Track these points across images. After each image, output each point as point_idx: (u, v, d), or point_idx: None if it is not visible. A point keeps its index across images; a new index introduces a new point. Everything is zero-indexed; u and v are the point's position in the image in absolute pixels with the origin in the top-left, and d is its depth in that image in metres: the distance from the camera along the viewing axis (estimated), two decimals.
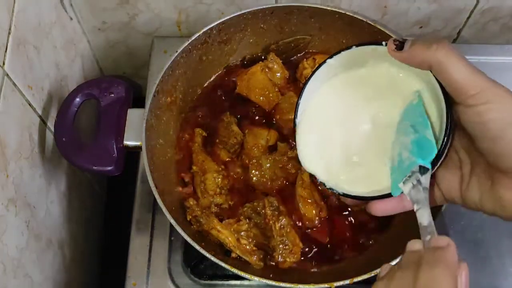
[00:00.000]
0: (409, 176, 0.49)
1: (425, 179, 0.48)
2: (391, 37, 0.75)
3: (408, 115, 0.51)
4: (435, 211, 0.64)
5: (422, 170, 0.48)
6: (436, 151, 0.47)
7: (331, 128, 0.56)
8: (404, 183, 0.49)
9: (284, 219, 0.69)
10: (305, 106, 0.57)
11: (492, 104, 0.42)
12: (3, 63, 0.62)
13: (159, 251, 0.77)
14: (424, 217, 0.47)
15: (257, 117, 0.78)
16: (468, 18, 0.90)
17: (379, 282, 0.43)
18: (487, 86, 0.42)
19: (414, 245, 0.45)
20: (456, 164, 0.49)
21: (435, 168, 0.48)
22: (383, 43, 0.49)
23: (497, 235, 0.80)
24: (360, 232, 0.72)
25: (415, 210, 0.48)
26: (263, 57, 0.81)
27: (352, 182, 0.54)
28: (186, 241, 0.63)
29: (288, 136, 0.75)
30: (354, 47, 0.52)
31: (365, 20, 0.75)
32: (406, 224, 0.71)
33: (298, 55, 0.82)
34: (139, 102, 0.75)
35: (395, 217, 0.72)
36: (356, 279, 0.62)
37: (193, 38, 0.74)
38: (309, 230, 0.71)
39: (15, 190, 0.65)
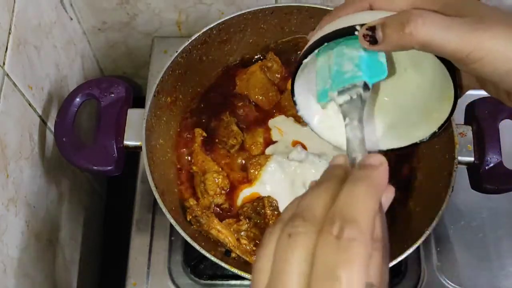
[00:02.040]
0: (346, 89, 0.47)
1: (366, 96, 0.46)
2: None
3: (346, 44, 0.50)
4: (434, 211, 0.65)
5: (364, 87, 0.46)
6: (385, 75, 0.47)
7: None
8: (338, 94, 0.47)
9: None
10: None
11: (485, 59, 0.41)
12: (3, 63, 0.62)
13: (159, 251, 0.77)
14: (354, 134, 0.43)
15: (256, 117, 0.78)
16: None
17: (294, 199, 0.38)
18: (477, 41, 0.41)
19: (337, 159, 0.39)
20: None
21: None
22: (355, 32, 0.44)
23: (497, 235, 0.80)
24: None
25: (345, 123, 0.45)
26: (261, 58, 0.81)
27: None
28: (186, 241, 0.63)
29: None
30: (325, 43, 0.46)
31: None
32: (407, 223, 0.71)
33: (298, 54, 0.82)
34: (139, 102, 0.75)
35: (398, 217, 0.72)
36: None
37: (193, 38, 0.74)
38: None
39: (15, 190, 0.65)
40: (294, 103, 0.55)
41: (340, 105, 0.47)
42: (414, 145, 0.56)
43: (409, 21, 0.41)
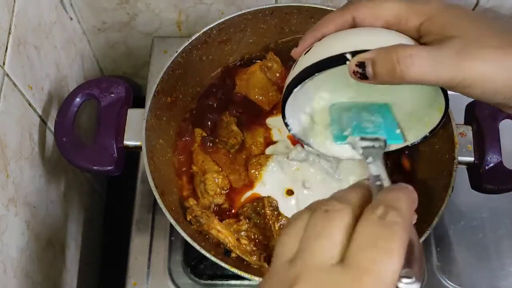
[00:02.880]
0: (368, 139, 0.51)
1: (382, 151, 0.51)
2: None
3: (375, 110, 0.56)
4: (434, 211, 0.65)
5: (384, 143, 0.51)
6: (401, 142, 0.54)
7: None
8: (360, 139, 0.51)
9: (284, 219, 0.69)
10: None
11: (474, 84, 0.42)
12: (3, 63, 0.62)
13: (159, 251, 0.77)
14: (376, 169, 0.47)
15: (256, 117, 0.78)
16: None
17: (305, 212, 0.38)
18: (466, 71, 0.42)
19: (360, 182, 0.42)
20: None
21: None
22: (347, 62, 0.45)
23: (497, 235, 0.80)
24: None
25: (367, 163, 0.48)
26: (261, 57, 0.82)
27: None
28: (186, 241, 0.63)
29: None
30: (316, 74, 0.48)
31: None
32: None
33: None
34: (139, 102, 0.75)
35: None
36: None
37: (193, 38, 0.74)
38: None
39: (15, 190, 0.65)
40: (286, 124, 0.57)
41: (361, 147, 0.51)
42: (405, 148, 0.59)
43: (399, 61, 0.42)
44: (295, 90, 0.49)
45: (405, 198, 0.37)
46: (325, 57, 0.47)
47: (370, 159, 0.49)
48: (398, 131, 0.53)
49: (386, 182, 0.43)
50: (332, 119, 0.57)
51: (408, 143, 0.58)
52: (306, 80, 0.48)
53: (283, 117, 0.56)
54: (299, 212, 0.38)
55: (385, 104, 0.56)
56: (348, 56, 0.45)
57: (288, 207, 0.72)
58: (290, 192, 0.72)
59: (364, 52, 0.44)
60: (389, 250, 0.32)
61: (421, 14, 0.45)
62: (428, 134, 0.56)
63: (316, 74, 0.47)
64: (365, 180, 0.42)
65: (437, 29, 0.44)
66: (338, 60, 0.45)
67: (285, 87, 0.52)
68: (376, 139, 0.52)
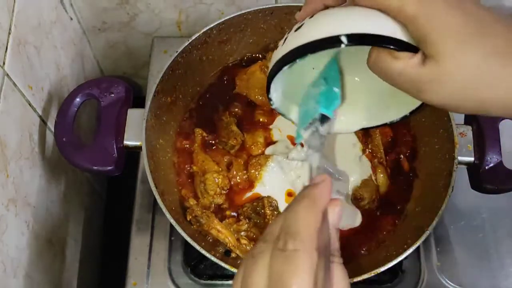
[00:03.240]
0: (310, 124, 0.53)
1: (324, 127, 0.52)
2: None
3: (326, 69, 0.55)
4: (434, 211, 0.65)
5: (325, 118, 0.52)
6: (339, 103, 0.53)
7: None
8: (305, 129, 0.53)
9: None
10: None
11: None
12: (3, 63, 0.62)
13: (159, 251, 0.77)
14: (315, 160, 0.50)
15: (256, 117, 0.78)
16: None
17: None
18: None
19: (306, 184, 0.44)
20: None
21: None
22: (342, 45, 0.44)
23: (497, 235, 0.80)
24: (360, 238, 0.72)
25: (307, 153, 0.51)
26: (261, 57, 0.82)
27: None
28: (186, 241, 0.63)
29: None
30: (308, 54, 0.46)
31: None
32: (407, 223, 0.71)
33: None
34: (139, 102, 0.75)
35: (398, 217, 0.72)
36: (356, 279, 0.62)
37: (193, 38, 0.74)
38: None
39: (15, 190, 0.65)
40: (269, 99, 0.56)
41: (306, 140, 0.53)
42: (384, 125, 0.59)
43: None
44: (285, 68, 0.48)
45: (303, 217, 0.38)
46: (320, 38, 0.45)
47: (310, 150, 0.51)
48: (337, 89, 0.53)
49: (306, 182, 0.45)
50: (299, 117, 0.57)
51: (387, 120, 0.57)
52: (297, 60, 0.47)
53: (268, 92, 0.54)
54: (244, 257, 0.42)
55: (333, 60, 0.55)
56: (343, 39, 0.43)
57: None
58: (290, 194, 0.72)
59: (359, 35, 0.43)
60: (294, 283, 0.35)
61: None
62: (408, 114, 0.55)
63: (309, 54, 0.45)
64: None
65: (420, 33, 0.41)
66: (333, 42, 0.44)
67: (272, 61, 0.50)
68: (314, 120, 0.52)
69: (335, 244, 0.42)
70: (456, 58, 0.39)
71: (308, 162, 0.50)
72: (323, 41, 0.44)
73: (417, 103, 0.53)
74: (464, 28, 0.39)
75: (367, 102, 0.59)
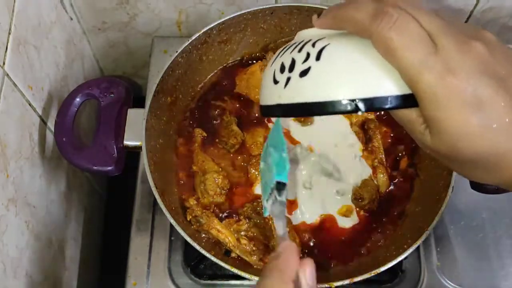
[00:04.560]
0: (270, 194, 0.53)
1: (281, 194, 0.52)
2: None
3: (272, 137, 0.55)
4: (434, 211, 0.65)
5: (281, 185, 0.52)
6: (288, 167, 0.51)
7: None
8: (267, 200, 0.53)
9: None
10: None
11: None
12: (3, 63, 0.62)
13: (159, 251, 0.77)
14: (279, 228, 0.50)
15: (256, 116, 0.78)
16: (468, 18, 0.90)
17: None
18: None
19: (272, 255, 0.45)
20: None
21: None
22: (359, 112, 0.38)
23: (497, 235, 0.80)
24: (359, 239, 0.72)
25: (273, 222, 0.53)
26: (261, 57, 0.82)
27: None
28: (186, 241, 0.63)
29: None
30: (320, 115, 0.40)
31: None
32: (407, 223, 0.71)
33: None
34: (139, 102, 0.75)
35: (398, 217, 0.72)
36: (356, 279, 0.62)
37: (193, 38, 0.74)
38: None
39: (15, 190, 0.65)
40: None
41: (270, 210, 0.53)
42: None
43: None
44: (278, 117, 0.45)
45: (276, 285, 0.41)
46: (334, 100, 0.38)
47: (274, 218, 0.52)
48: (284, 153, 0.52)
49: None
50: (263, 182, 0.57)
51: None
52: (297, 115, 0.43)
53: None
54: None
55: (276, 123, 0.54)
56: (361, 106, 0.37)
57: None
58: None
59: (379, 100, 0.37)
60: None
61: None
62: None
63: (320, 115, 0.40)
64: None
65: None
66: (349, 109, 0.38)
67: (272, 96, 0.43)
68: (272, 190, 0.52)
69: None
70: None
71: (275, 230, 0.52)
72: (337, 105, 0.38)
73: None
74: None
75: None
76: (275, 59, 0.44)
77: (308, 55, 0.41)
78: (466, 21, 0.91)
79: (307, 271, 0.43)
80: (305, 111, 0.41)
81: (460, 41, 0.36)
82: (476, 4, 0.87)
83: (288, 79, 0.41)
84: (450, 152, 0.37)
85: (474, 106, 0.35)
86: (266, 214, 0.54)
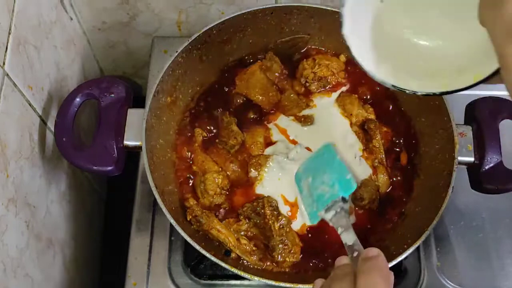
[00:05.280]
0: (330, 206, 0.63)
1: (347, 207, 0.63)
2: None
3: (323, 161, 0.68)
4: (434, 211, 0.65)
5: (344, 200, 0.63)
6: (355, 187, 0.64)
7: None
8: (325, 211, 0.63)
9: (283, 219, 0.69)
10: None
11: None
12: (3, 63, 0.62)
13: (159, 251, 0.77)
14: (349, 237, 0.56)
15: (256, 116, 0.78)
16: None
17: None
18: None
19: (341, 260, 0.50)
20: None
21: None
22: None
23: (497, 235, 0.80)
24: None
25: (339, 233, 0.58)
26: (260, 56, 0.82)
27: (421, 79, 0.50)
28: (186, 241, 0.63)
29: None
30: None
31: None
32: (407, 223, 0.71)
33: (297, 54, 0.82)
34: (139, 102, 0.75)
35: (398, 217, 0.72)
36: None
37: (193, 38, 0.74)
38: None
39: (15, 190, 0.65)
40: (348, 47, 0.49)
41: (330, 220, 0.62)
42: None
43: None
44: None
45: (380, 282, 0.44)
46: None
47: (340, 229, 0.58)
48: (349, 176, 0.63)
49: (357, 253, 0.51)
50: (302, 196, 0.69)
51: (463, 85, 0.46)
52: None
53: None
54: None
55: (327, 148, 0.66)
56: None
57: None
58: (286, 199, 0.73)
59: None
60: None
61: None
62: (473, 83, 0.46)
63: None
64: (342, 257, 0.51)
65: None
66: None
67: None
68: (335, 203, 0.62)
69: None
70: None
71: (343, 241, 0.56)
72: None
73: (488, 72, 0.45)
74: None
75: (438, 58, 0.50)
76: None
77: None
78: None
79: (391, 278, 0.46)
80: None
81: None
82: None
83: None
84: None
85: None
86: (315, 222, 0.66)
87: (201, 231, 0.69)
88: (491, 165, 0.69)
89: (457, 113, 0.71)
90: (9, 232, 0.63)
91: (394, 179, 0.74)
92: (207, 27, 0.74)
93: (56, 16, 0.81)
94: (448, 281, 0.76)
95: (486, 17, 0.40)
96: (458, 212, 0.81)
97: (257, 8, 0.75)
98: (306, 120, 0.77)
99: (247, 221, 0.70)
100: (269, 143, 0.76)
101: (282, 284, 0.62)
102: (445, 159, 0.70)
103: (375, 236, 0.71)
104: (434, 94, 0.49)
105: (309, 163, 0.70)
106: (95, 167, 0.69)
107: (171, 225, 0.64)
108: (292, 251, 0.68)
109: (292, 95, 0.78)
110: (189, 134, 0.77)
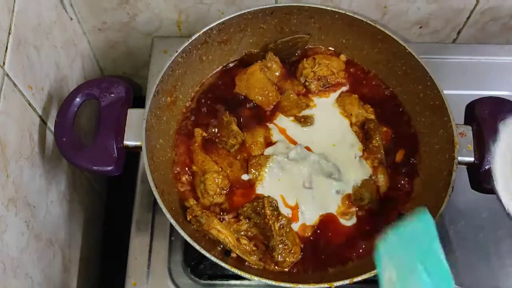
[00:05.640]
0: None
1: None
2: (391, 37, 0.75)
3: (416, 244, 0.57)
4: (434, 211, 0.65)
5: None
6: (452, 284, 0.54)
7: None
8: None
9: (283, 219, 0.69)
10: None
11: None
12: (3, 63, 0.62)
13: (159, 251, 0.77)
14: None
15: (256, 116, 0.78)
16: (468, 18, 0.90)
17: None
18: None
19: None
20: None
21: None
22: None
23: (497, 235, 0.80)
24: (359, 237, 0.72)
25: None
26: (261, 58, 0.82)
27: None
28: (186, 241, 0.63)
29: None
30: None
31: (364, 20, 0.75)
32: None
33: (297, 54, 0.82)
34: (139, 102, 0.75)
35: (398, 217, 0.72)
36: (356, 279, 0.62)
37: (193, 38, 0.74)
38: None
39: (15, 190, 0.65)
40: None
41: None
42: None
43: None
44: None
45: None
46: None
47: None
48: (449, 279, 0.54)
49: None
50: None
51: None
52: None
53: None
54: None
55: (424, 219, 0.55)
56: None
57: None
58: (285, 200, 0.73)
59: None
60: None
61: None
62: None
63: None
64: None
65: None
66: None
67: None
68: None
69: None
70: None
71: None
72: None
73: None
74: None
75: None
76: None
77: None
78: (466, 21, 0.91)
79: None
80: None
81: None
82: (476, 4, 0.87)
83: None
84: None
85: None
86: None
87: (201, 231, 0.69)
88: (491, 165, 0.69)
89: (457, 113, 0.71)
90: (9, 232, 0.63)
91: (394, 179, 0.74)
92: (207, 27, 0.74)
93: (56, 16, 0.81)
94: None
95: None
96: (458, 212, 0.81)
97: (257, 8, 0.75)
98: (306, 121, 0.77)
99: (247, 221, 0.70)
100: (269, 143, 0.76)
101: (282, 284, 0.62)
102: (445, 159, 0.70)
103: (375, 236, 0.71)
104: None
105: (395, 241, 0.57)
106: (95, 167, 0.69)
107: (171, 225, 0.64)
108: (292, 251, 0.68)
109: (292, 95, 0.78)
110: (189, 134, 0.77)
